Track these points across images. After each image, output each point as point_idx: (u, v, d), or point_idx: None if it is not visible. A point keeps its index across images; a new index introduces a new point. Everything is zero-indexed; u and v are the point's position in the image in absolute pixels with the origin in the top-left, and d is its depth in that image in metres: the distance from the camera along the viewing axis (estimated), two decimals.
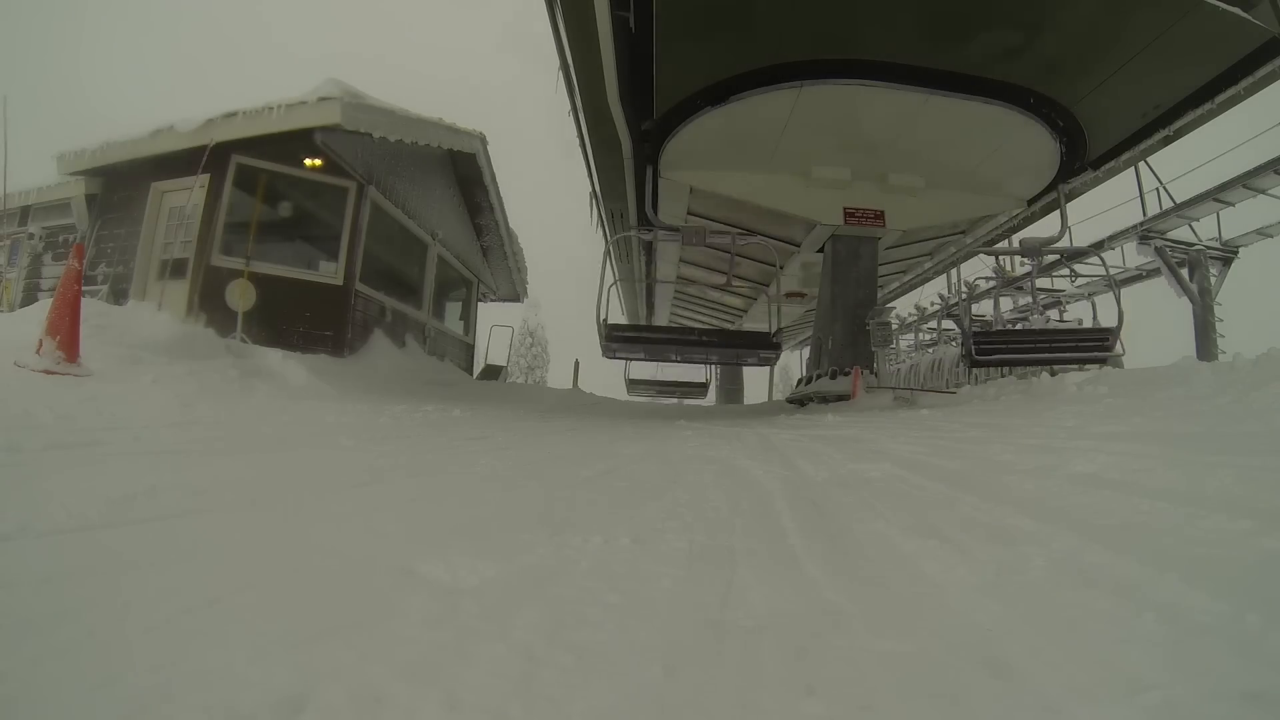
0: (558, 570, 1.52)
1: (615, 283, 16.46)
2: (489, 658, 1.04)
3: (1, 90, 7.68)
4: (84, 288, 7.03)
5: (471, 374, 16.31)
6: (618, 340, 10.56)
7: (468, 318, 17.06)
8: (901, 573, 1.52)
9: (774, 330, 10.29)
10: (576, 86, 10.33)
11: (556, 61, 10.32)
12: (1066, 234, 12.41)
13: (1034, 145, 10.96)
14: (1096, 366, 9.25)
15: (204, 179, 9.44)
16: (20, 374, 5.65)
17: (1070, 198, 12.55)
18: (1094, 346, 9.89)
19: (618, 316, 14.11)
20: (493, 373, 17.25)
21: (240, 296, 9.42)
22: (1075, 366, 10.53)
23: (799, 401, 11.92)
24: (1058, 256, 14.80)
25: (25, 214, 11.96)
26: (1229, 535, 1.63)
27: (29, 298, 11.14)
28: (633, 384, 19.79)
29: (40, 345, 5.96)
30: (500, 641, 1.10)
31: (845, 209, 11.60)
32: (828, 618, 1.24)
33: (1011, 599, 1.30)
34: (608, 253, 13.27)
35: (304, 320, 10.14)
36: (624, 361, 14.66)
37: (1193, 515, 1.80)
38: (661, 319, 27.31)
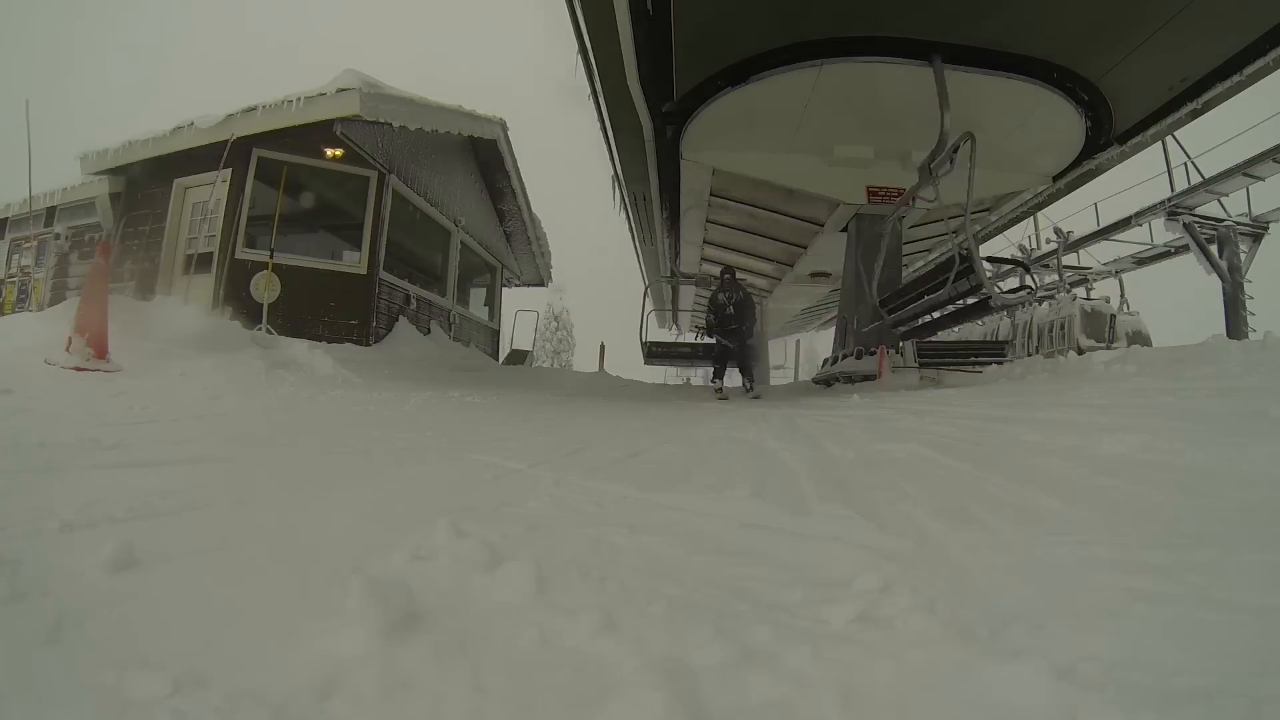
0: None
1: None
2: None
3: (24, 94, 7.77)
4: (110, 284, 7.12)
5: (497, 359, 16.40)
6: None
7: (492, 303, 17.14)
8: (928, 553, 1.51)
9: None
10: (596, 70, 10.26)
11: (575, 45, 10.25)
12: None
13: (1059, 121, 10.76)
14: (1124, 345, 9.07)
15: (226, 173, 9.52)
16: (51, 371, 5.74)
17: (1096, 174, 12.36)
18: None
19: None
20: (519, 357, 17.28)
21: (265, 288, 9.51)
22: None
23: (825, 382, 11.86)
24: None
25: (51, 215, 12.13)
26: (1263, 517, 1.60)
27: (57, 296, 11.29)
28: (651, 352, 16.05)
29: (69, 342, 6.04)
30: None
31: (868, 188, 11.48)
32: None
33: (1039, 580, 1.29)
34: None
35: (329, 310, 10.22)
36: (643, 324, 15.74)
37: (1224, 497, 1.77)
38: (685, 303, 27.20)
